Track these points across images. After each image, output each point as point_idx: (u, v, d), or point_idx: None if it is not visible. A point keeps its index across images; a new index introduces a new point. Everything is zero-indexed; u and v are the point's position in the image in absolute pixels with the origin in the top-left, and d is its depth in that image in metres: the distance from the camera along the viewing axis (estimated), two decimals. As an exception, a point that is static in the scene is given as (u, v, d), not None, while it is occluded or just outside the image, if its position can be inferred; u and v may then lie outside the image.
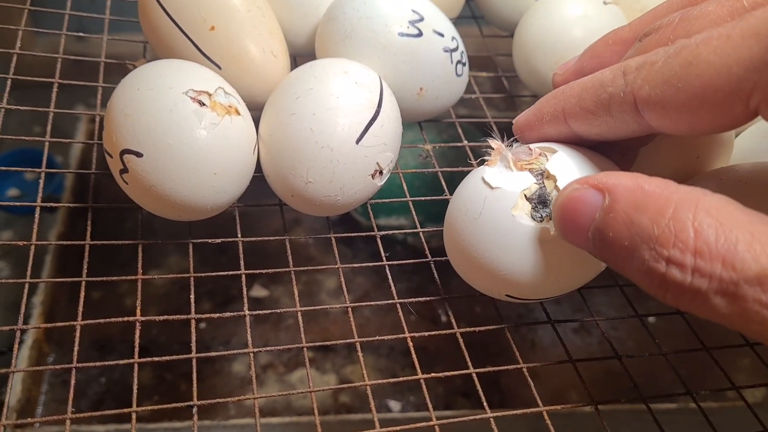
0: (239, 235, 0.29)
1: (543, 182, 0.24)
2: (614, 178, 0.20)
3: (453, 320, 0.28)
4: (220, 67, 0.30)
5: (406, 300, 0.28)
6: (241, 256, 0.29)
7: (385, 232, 0.31)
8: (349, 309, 0.28)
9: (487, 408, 0.25)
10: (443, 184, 0.33)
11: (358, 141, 0.27)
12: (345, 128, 0.27)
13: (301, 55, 0.36)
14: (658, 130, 0.22)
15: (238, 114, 0.27)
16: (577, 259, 0.24)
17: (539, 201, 0.23)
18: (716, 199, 0.18)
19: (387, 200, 0.32)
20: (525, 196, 0.23)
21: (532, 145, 0.25)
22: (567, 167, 0.24)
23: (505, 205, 0.23)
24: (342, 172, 0.27)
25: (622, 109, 0.22)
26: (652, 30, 0.23)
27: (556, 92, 0.25)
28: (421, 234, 0.31)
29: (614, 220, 0.19)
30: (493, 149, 0.25)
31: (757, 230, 0.17)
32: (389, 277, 0.29)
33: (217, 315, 0.27)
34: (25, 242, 0.28)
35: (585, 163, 0.24)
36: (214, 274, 0.28)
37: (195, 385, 0.25)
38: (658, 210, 0.18)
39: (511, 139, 0.26)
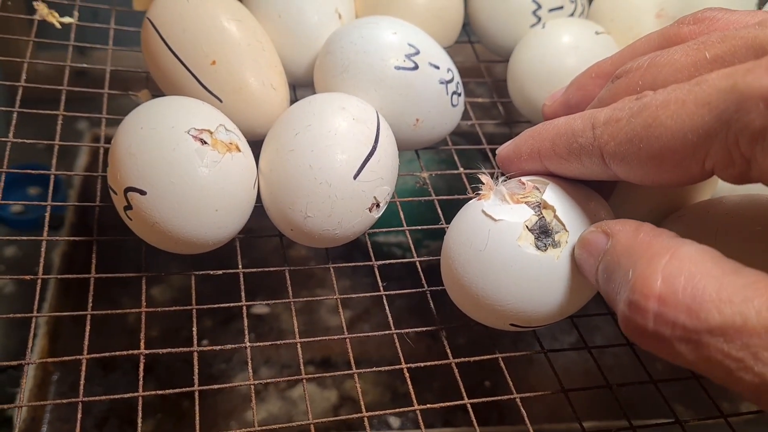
0: (240, 266, 0.30)
1: (541, 213, 0.25)
2: (621, 224, 0.22)
3: (448, 350, 0.29)
4: (221, 100, 0.31)
5: (402, 331, 0.29)
6: (242, 287, 0.30)
7: (382, 262, 0.32)
8: (347, 340, 0.29)
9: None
10: (440, 212, 0.33)
11: (355, 176, 0.28)
12: (343, 164, 0.28)
13: (300, 85, 0.37)
14: (625, 180, 0.23)
15: (239, 150, 0.28)
16: (578, 283, 0.25)
17: (541, 231, 0.24)
18: (695, 249, 0.19)
19: (384, 229, 0.33)
20: (527, 227, 0.24)
21: (523, 179, 0.26)
22: (562, 198, 0.25)
23: (509, 237, 0.24)
24: (340, 207, 0.28)
25: (591, 159, 0.23)
26: (623, 72, 0.25)
27: (533, 131, 0.26)
28: (417, 263, 0.32)
29: (609, 263, 0.21)
30: (484, 183, 0.26)
31: (727, 280, 0.18)
32: (386, 307, 0.30)
33: (219, 347, 0.28)
34: (31, 276, 0.28)
35: (576, 195, 0.25)
36: (215, 306, 0.29)
37: (198, 419, 0.26)
38: (638, 256, 0.19)
39: (499, 171, 0.27)
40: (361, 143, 0.28)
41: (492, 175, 0.26)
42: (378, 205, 0.29)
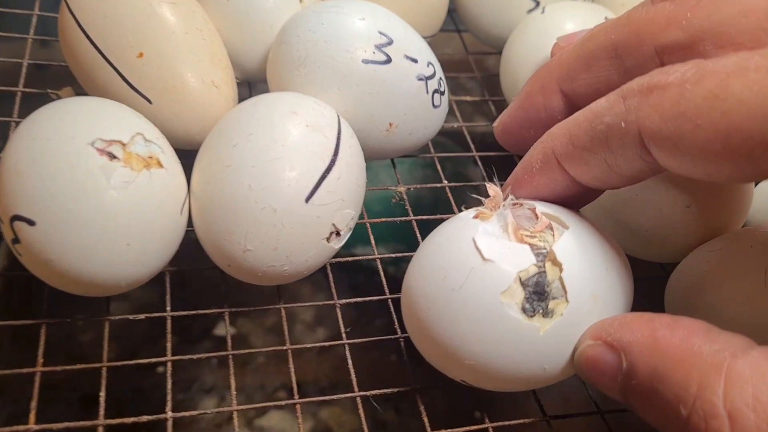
0: (168, 307, 0.24)
1: (544, 267, 0.19)
2: (628, 332, 0.18)
3: (425, 418, 0.23)
4: (150, 102, 0.25)
5: (367, 393, 0.23)
6: (168, 336, 0.24)
7: (346, 301, 0.26)
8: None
9: None
10: (417, 235, 0.28)
11: (308, 199, 0.22)
12: (292, 184, 0.22)
13: (256, 81, 0.31)
14: (668, 169, 0.18)
15: (160, 166, 0.22)
16: (556, 364, 0.20)
17: (535, 291, 0.19)
18: (748, 363, 0.15)
19: (351, 258, 0.27)
20: (520, 278, 0.19)
21: (539, 208, 0.20)
22: (578, 255, 0.19)
23: (494, 285, 0.19)
24: (288, 238, 0.22)
25: (623, 142, 0.18)
26: None
27: (542, 137, 0.21)
28: (389, 302, 0.26)
29: (638, 388, 0.17)
30: (490, 197, 0.21)
31: None
32: (349, 360, 0.24)
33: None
34: None
35: (597, 252, 0.20)
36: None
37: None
38: (681, 382, 0.16)
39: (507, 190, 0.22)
40: (317, 156, 0.23)
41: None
42: (338, 234, 0.24)
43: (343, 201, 0.23)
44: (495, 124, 0.26)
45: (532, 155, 0.21)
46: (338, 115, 0.24)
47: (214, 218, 0.22)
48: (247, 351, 0.25)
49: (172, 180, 0.22)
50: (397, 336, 0.25)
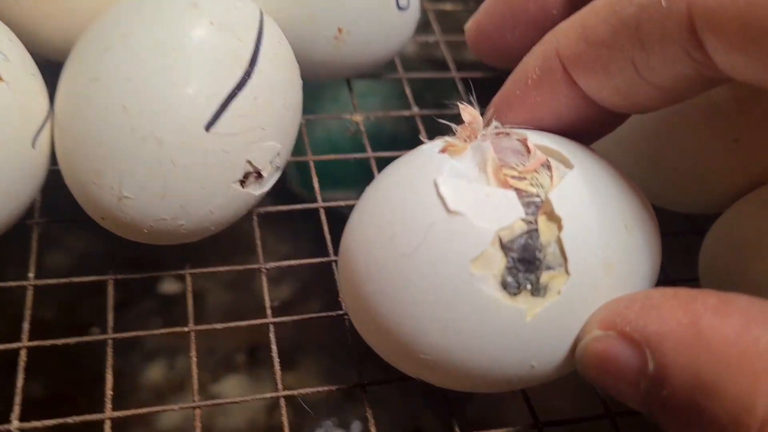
0: (31, 274, 0.18)
1: (536, 222, 0.14)
2: (657, 319, 0.13)
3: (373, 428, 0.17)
4: (14, -3, 0.19)
5: (293, 392, 0.17)
6: (28, 304, 0.18)
7: (276, 264, 0.20)
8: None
9: None
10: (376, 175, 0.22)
11: (209, 125, 0.16)
12: (185, 104, 0.16)
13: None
14: (729, 75, 0.13)
15: (0, 80, 0.16)
16: (549, 360, 0.14)
17: (521, 257, 0.13)
18: None
19: (285, 207, 0.21)
20: (500, 240, 0.13)
21: (531, 138, 0.15)
22: (586, 203, 0.14)
23: (462, 249, 0.13)
24: (182, 180, 0.16)
25: (663, 29, 0.13)
26: None
27: (544, 37, 0.15)
28: (333, 266, 0.20)
29: (671, 401, 0.12)
30: (464, 123, 0.15)
31: None
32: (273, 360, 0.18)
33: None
34: None
35: (614, 201, 0.14)
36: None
37: None
38: (739, 396, 0.11)
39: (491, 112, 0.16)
40: (223, 66, 0.16)
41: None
42: (259, 174, 0.17)
43: (263, 130, 0.17)
44: (467, 25, 0.19)
45: (528, 62, 0.15)
46: (261, 12, 0.18)
47: (78, 153, 0.16)
48: (131, 334, 0.19)
49: (18, 99, 0.16)
50: (341, 312, 0.19)
